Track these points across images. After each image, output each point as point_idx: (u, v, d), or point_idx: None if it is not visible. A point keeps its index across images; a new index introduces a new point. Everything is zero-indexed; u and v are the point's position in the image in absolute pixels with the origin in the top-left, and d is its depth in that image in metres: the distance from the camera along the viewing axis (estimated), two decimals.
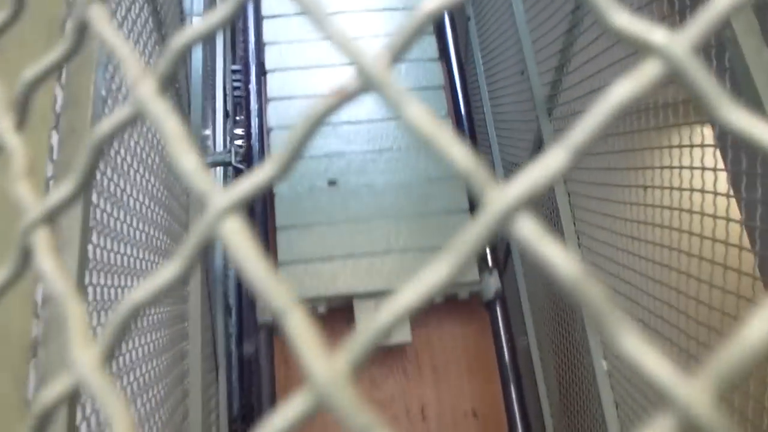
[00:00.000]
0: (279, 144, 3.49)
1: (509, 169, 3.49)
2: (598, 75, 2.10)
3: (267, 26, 3.79)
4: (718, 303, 1.40)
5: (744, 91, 1.05)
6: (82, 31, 0.24)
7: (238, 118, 3.83)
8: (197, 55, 2.80)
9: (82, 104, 0.99)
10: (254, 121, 3.54)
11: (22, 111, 0.25)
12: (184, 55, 0.21)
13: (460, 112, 3.79)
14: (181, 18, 2.69)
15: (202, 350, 2.28)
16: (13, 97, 0.26)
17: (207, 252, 2.83)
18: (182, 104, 2.52)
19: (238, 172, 3.40)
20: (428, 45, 3.87)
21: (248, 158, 3.44)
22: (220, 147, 3.59)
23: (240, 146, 3.51)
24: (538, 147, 2.75)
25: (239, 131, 3.74)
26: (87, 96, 0.99)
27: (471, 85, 4.00)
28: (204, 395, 2.24)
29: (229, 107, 4.05)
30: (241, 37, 3.83)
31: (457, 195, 3.38)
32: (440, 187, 3.43)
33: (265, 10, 3.84)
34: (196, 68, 2.78)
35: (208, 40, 3.17)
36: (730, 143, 1.32)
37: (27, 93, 0.26)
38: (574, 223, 2.50)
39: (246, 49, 3.76)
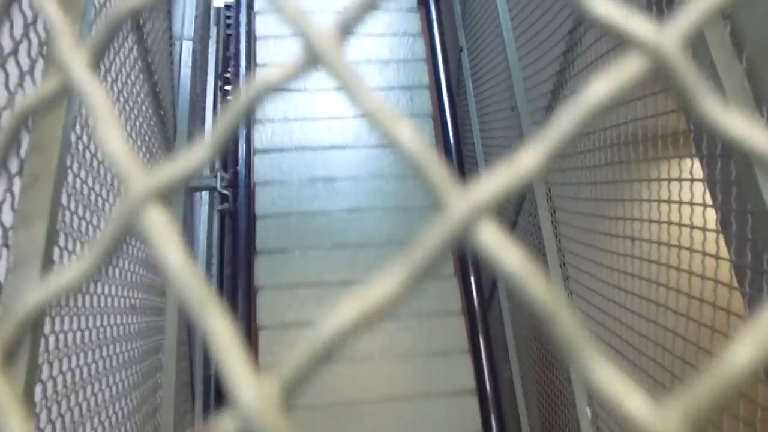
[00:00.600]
0: (262, 168, 3.51)
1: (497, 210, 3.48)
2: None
3: (259, 47, 3.82)
4: (705, 340, 1.39)
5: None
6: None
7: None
8: (185, 77, 2.79)
9: (49, 150, 0.94)
10: (241, 147, 3.54)
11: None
12: (116, 29, 0.19)
13: (449, 140, 3.79)
14: (170, 43, 2.68)
15: (176, 379, 2.23)
16: None
17: None
18: (167, 128, 2.49)
19: (223, 198, 3.40)
20: (420, 71, 3.89)
21: (234, 184, 3.43)
22: (206, 171, 3.58)
23: (225, 171, 3.50)
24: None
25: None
26: (54, 142, 0.94)
27: (462, 118, 4.01)
28: (177, 426, 2.19)
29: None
30: (233, 60, 3.84)
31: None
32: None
33: (259, 30, 3.87)
34: (184, 91, 2.76)
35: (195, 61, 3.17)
36: (719, 179, 1.31)
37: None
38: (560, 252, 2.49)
39: (236, 73, 3.77)
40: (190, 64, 2.85)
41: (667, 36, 0.16)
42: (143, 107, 2.14)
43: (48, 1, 0.22)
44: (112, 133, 0.19)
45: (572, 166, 2.29)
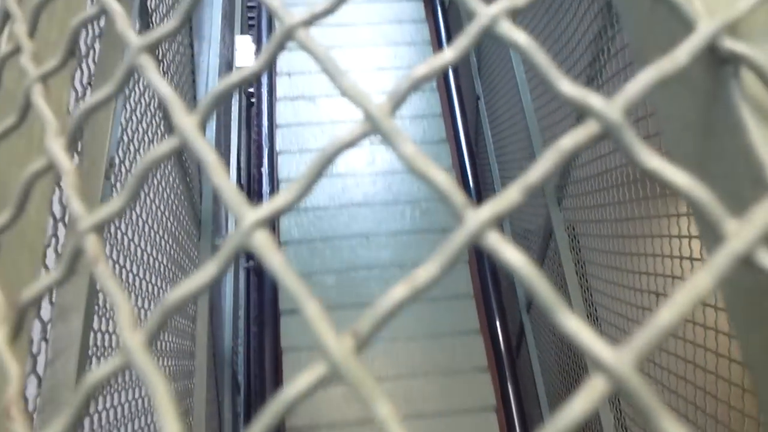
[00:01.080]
0: (287, 228, 3.62)
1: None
2: (603, 171, 2.18)
3: (280, 108, 3.99)
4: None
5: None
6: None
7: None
8: (209, 140, 2.92)
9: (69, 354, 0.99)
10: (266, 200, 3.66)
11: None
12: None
13: (469, 189, 3.88)
14: (193, 77, 2.82)
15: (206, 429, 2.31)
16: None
17: (214, 331, 2.87)
18: (193, 191, 2.61)
19: (249, 255, 3.48)
20: (437, 127, 4.03)
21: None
22: (232, 227, 3.69)
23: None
24: (548, 235, 2.81)
25: None
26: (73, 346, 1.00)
27: (482, 165, 4.10)
28: None
29: (243, 181, 4.21)
30: (255, 120, 3.98)
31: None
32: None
33: (280, 93, 4.04)
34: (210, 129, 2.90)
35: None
36: None
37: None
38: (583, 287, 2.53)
39: (259, 133, 3.91)
40: (214, 127, 2.99)
41: (613, 107, 0.24)
42: (170, 175, 2.26)
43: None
44: (224, 180, 0.27)
45: (597, 203, 2.35)
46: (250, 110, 4.35)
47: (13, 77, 0.44)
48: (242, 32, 4.70)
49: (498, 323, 3.55)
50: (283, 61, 4.21)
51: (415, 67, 0.27)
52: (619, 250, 2.18)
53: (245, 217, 0.26)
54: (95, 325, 1.28)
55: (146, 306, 1.94)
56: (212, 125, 3.02)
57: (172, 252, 2.33)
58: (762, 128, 0.26)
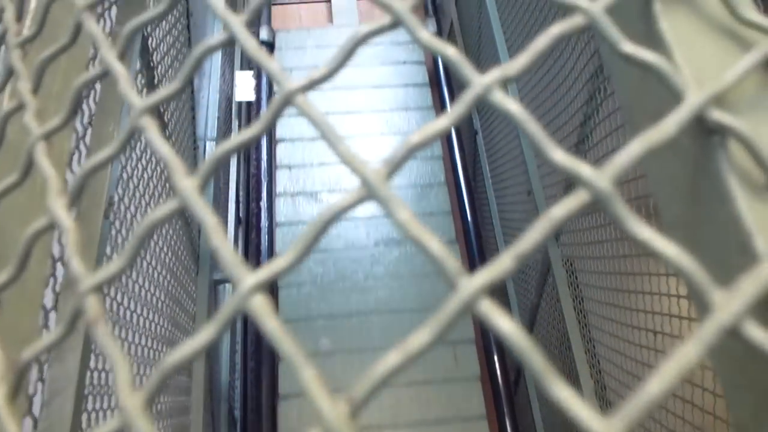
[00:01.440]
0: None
1: (520, 292, 3.55)
2: (598, 222, 2.19)
3: (280, 150, 3.95)
4: None
5: None
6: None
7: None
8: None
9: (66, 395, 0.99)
10: (264, 239, 3.65)
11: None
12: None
13: (470, 235, 3.84)
14: (195, 146, 2.84)
15: None
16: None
17: (211, 366, 2.85)
18: (192, 228, 2.62)
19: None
20: (437, 170, 4.02)
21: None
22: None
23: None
24: (546, 270, 2.81)
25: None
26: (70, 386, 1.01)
27: (480, 202, 4.11)
28: None
29: (242, 214, 4.21)
30: (254, 154, 3.99)
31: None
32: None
33: (279, 133, 4.02)
34: (207, 191, 2.90)
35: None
36: None
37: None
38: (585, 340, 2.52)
39: (258, 168, 3.91)
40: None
41: (603, 176, 0.25)
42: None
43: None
44: (222, 243, 0.27)
45: (595, 239, 2.35)
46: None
47: (16, 129, 0.45)
48: (242, 67, 4.73)
49: (497, 361, 3.52)
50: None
51: (411, 134, 0.28)
52: (617, 287, 2.18)
53: (243, 280, 0.26)
54: (91, 364, 1.27)
55: (144, 343, 1.93)
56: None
57: (169, 287, 2.33)
58: (749, 198, 0.27)
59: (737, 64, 0.29)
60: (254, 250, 3.71)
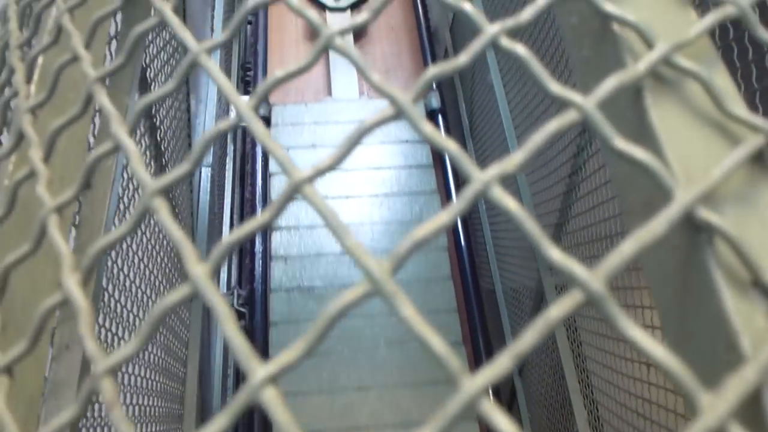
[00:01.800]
0: (277, 304, 3.45)
1: (513, 319, 3.56)
2: (594, 238, 2.22)
3: (274, 183, 3.87)
4: None
5: None
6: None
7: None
8: (204, 203, 2.94)
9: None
10: (257, 265, 3.61)
11: None
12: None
13: (471, 302, 3.72)
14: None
15: None
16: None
17: (203, 394, 2.85)
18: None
19: (239, 315, 3.40)
20: (443, 262, 3.74)
21: (251, 302, 3.48)
22: (224, 286, 3.68)
23: (242, 290, 3.56)
24: (540, 299, 2.83)
25: None
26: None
27: (476, 240, 4.10)
28: None
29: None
30: (249, 179, 3.98)
31: None
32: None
33: (273, 167, 3.92)
34: (203, 217, 2.91)
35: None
36: None
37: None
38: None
39: (253, 193, 3.90)
40: (208, 189, 3.01)
41: (596, 277, 0.26)
42: (164, 241, 2.28)
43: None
44: (235, 334, 0.29)
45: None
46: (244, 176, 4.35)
47: (28, 191, 0.46)
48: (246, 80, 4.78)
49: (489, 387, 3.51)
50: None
51: (416, 229, 0.29)
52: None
53: (255, 373, 0.27)
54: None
55: (137, 372, 1.93)
56: (207, 173, 3.05)
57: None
58: (735, 296, 0.28)
59: (724, 160, 0.30)
60: (248, 275, 3.70)
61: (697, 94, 0.34)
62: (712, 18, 0.35)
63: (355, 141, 0.32)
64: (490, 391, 3.47)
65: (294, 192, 0.31)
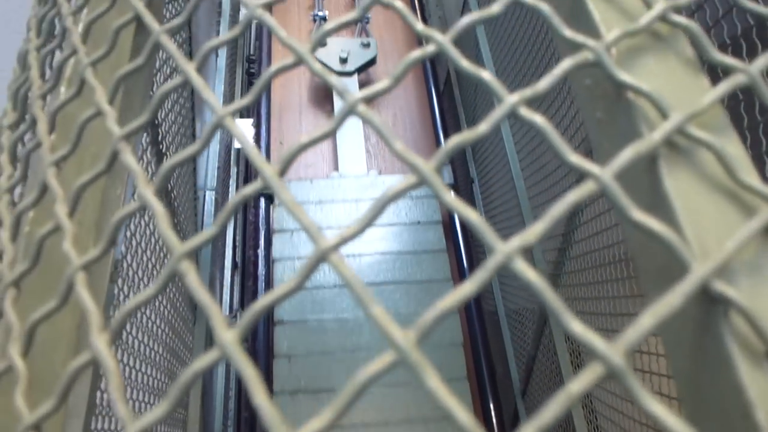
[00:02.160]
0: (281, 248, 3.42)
1: (516, 342, 3.56)
2: (598, 263, 2.22)
3: (276, 241, 3.72)
4: None
5: None
6: None
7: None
8: (208, 227, 2.94)
9: None
10: (260, 286, 3.59)
11: None
12: None
13: (476, 335, 3.66)
14: (195, 197, 2.86)
15: None
16: None
17: (205, 416, 2.84)
18: None
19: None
20: (455, 328, 3.49)
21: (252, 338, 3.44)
22: (226, 309, 3.67)
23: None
24: (543, 321, 2.84)
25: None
26: None
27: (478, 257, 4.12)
28: None
29: (238, 258, 4.21)
30: (253, 203, 3.96)
31: None
32: None
33: (276, 253, 3.68)
34: (208, 220, 2.93)
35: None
36: None
37: None
38: None
39: (256, 228, 3.86)
40: (212, 213, 3.03)
41: (616, 349, 0.27)
42: (164, 257, 2.29)
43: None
44: (265, 401, 0.29)
45: (594, 280, 2.38)
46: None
47: (56, 243, 0.47)
48: (241, 115, 4.78)
49: (492, 409, 3.50)
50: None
51: (440, 300, 0.30)
52: (615, 329, 2.20)
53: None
54: (94, 425, 1.28)
55: (140, 398, 1.93)
56: (212, 197, 3.06)
57: (167, 339, 2.33)
58: (751, 368, 0.29)
59: (738, 232, 0.31)
60: (250, 297, 3.69)
61: (710, 163, 0.35)
62: (723, 87, 0.36)
63: (379, 209, 0.33)
64: (494, 414, 3.45)
65: (321, 259, 0.32)
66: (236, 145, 4.42)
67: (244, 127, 4.28)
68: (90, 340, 0.35)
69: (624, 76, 0.37)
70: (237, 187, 4.45)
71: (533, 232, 0.31)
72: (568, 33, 0.38)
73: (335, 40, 4.45)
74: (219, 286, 3.63)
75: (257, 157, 0.37)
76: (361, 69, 4.39)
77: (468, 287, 0.30)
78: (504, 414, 3.62)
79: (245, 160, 4.58)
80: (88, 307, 0.37)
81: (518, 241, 0.31)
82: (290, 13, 4.89)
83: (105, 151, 0.62)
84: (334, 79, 0.39)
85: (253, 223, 3.92)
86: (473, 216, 0.32)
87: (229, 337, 0.32)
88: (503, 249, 0.31)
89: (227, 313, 3.71)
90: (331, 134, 0.37)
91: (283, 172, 0.36)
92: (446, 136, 4.30)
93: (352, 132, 4.18)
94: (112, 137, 0.44)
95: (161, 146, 2.11)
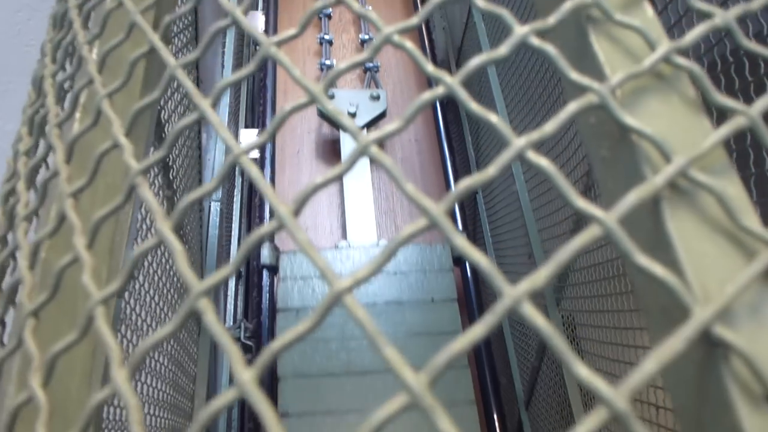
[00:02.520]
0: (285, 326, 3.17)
1: (519, 353, 3.56)
2: (601, 293, 2.24)
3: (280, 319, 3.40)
4: None
5: None
6: None
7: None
8: (213, 238, 2.96)
9: None
10: (265, 298, 3.49)
11: None
12: None
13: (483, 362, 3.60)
14: (200, 208, 2.88)
15: None
16: None
17: None
18: None
19: (246, 349, 3.27)
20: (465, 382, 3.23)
21: (257, 335, 3.37)
22: (230, 318, 3.67)
23: (249, 323, 3.50)
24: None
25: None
26: None
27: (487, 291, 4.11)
28: None
29: (242, 267, 4.20)
30: (257, 212, 3.90)
31: None
32: None
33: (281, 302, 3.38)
34: (211, 252, 2.93)
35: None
36: None
37: None
38: None
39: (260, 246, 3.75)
40: (217, 224, 3.04)
41: (621, 394, 0.28)
42: (174, 277, 2.30)
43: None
44: (267, 413, 0.31)
45: (597, 293, 2.39)
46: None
47: (73, 277, 0.48)
48: (246, 125, 4.79)
49: (497, 421, 3.49)
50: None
51: (452, 342, 0.31)
52: (619, 342, 2.20)
53: None
54: None
55: (145, 410, 1.94)
56: (217, 209, 3.08)
57: (172, 351, 2.34)
58: (750, 410, 0.30)
59: (738, 276, 0.32)
60: (255, 308, 3.66)
61: (712, 205, 0.36)
62: (724, 130, 0.37)
63: (391, 252, 0.34)
64: (497, 423, 3.43)
65: (335, 301, 0.34)
66: None
67: (249, 137, 4.29)
68: (111, 376, 0.36)
69: (628, 120, 0.38)
70: (242, 198, 4.46)
71: (540, 276, 0.32)
72: (574, 76, 0.40)
73: (343, 92, 4.26)
74: (223, 297, 3.65)
75: (273, 197, 0.38)
76: (371, 124, 4.10)
77: (478, 330, 0.31)
78: (507, 424, 3.62)
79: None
80: (108, 343, 0.38)
81: (526, 285, 0.32)
82: (298, 60, 4.81)
83: (119, 181, 0.63)
84: (346, 120, 0.40)
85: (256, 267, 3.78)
86: (483, 261, 0.33)
87: (247, 376, 0.33)
88: (511, 293, 0.32)
89: (231, 323, 3.72)
90: (343, 174, 0.38)
91: (297, 211, 0.38)
92: (454, 164, 4.18)
93: (360, 199, 3.92)
94: (129, 171, 0.45)
95: (167, 159, 2.13)
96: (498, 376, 3.55)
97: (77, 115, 0.63)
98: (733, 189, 0.37)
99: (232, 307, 4.02)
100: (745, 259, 0.35)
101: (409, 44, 0.43)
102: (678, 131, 0.40)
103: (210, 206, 3.07)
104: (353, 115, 4.08)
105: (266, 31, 4.59)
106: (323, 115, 4.13)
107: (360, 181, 3.91)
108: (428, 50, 4.74)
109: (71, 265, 0.46)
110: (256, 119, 4.72)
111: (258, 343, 3.33)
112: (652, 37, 0.43)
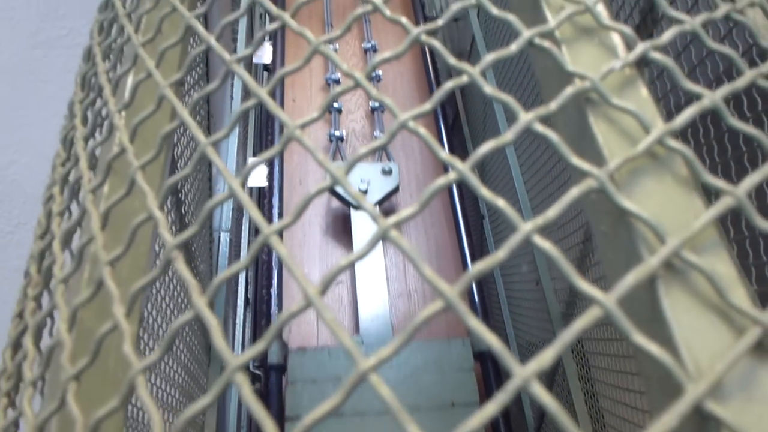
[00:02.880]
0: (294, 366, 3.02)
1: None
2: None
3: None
4: None
5: None
6: None
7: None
8: (222, 268, 2.99)
9: None
10: (273, 403, 3.32)
11: None
12: None
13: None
14: (210, 238, 2.92)
15: None
16: None
17: None
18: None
19: (254, 378, 3.21)
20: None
21: (264, 362, 3.29)
22: (238, 345, 3.68)
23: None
24: (557, 362, 2.85)
25: None
26: None
27: (488, 287, 4.15)
28: None
29: (250, 294, 4.22)
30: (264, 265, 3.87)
31: None
32: None
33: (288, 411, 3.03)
34: (223, 261, 2.98)
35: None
36: None
37: None
38: None
39: (269, 267, 3.74)
40: (227, 254, 3.08)
41: None
42: (183, 302, 2.34)
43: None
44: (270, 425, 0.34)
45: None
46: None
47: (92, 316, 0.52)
48: (254, 153, 4.83)
49: None
50: None
51: (468, 419, 0.34)
52: (629, 371, 2.22)
53: None
54: None
55: None
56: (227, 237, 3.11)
57: (182, 383, 2.37)
58: None
59: (728, 353, 0.35)
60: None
61: (703, 283, 0.40)
62: (713, 211, 0.41)
63: (412, 332, 0.38)
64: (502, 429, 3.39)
65: (360, 380, 0.37)
66: (250, 183, 4.46)
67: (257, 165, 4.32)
68: (139, 393, 0.40)
69: (626, 203, 0.41)
70: (250, 228, 4.49)
71: (547, 357, 0.36)
72: (575, 161, 0.43)
73: (355, 168, 3.91)
74: (232, 325, 3.67)
75: (302, 277, 0.42)
76: (383, 200, 3.81)
77: (491, 408, 0.35)
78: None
79: (258, 198, 4.59)
80: (150, 411, 0.42)
81: (534, 365, 0.35)
82: (303, 73, 4.79)
83: (145, 247, 0.67)
84: (366, 205, 0.44)
85: (266, 262, 3.90)
86: (495, 342, 0.36)
87: (269, 425, 0.36)
88: (521, 373, 0.35)
89: (240, 351, 3.73)
90: (364, 256, 0.42)
91: (324, 290, 0.41)
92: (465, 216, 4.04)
93: (373, 294, 3.52)
94: (166, 245, 0.49)
95: (180, 194, 2.17)
96: (508, 405, 3.55)
97: (108, 181, 0.67)
98: (722, 267, 0.41)
99: (240, 335, 4.02)
100: (734, 334, 0.38)
101: (423, 131, 0.47)
102: (671, 210, 0.43)
103: (220, 237, 3.11)
104: (365, 192, 3.80)
105: (273, 61, 4.64)
106: (334, 192, 3.70)
107: (373, 266, 3.45)
108: (434, 81, 4.74)
109: (111, 333, 0.49)
110: (264, 147, 4.76)
111: (266, 373, 3.27)
112: (646, 120, 0.47)
